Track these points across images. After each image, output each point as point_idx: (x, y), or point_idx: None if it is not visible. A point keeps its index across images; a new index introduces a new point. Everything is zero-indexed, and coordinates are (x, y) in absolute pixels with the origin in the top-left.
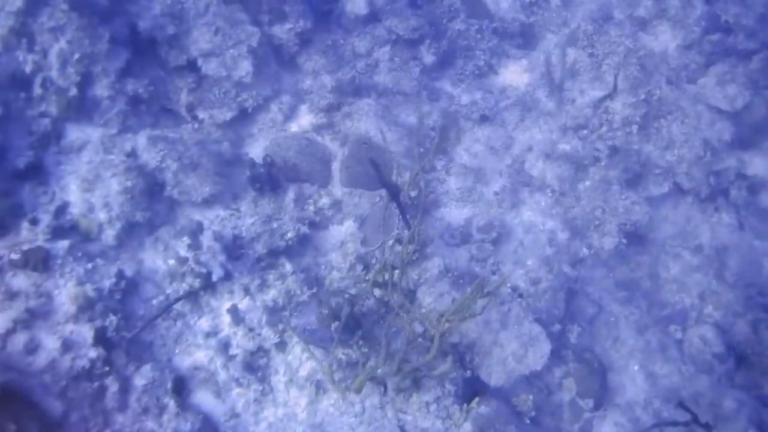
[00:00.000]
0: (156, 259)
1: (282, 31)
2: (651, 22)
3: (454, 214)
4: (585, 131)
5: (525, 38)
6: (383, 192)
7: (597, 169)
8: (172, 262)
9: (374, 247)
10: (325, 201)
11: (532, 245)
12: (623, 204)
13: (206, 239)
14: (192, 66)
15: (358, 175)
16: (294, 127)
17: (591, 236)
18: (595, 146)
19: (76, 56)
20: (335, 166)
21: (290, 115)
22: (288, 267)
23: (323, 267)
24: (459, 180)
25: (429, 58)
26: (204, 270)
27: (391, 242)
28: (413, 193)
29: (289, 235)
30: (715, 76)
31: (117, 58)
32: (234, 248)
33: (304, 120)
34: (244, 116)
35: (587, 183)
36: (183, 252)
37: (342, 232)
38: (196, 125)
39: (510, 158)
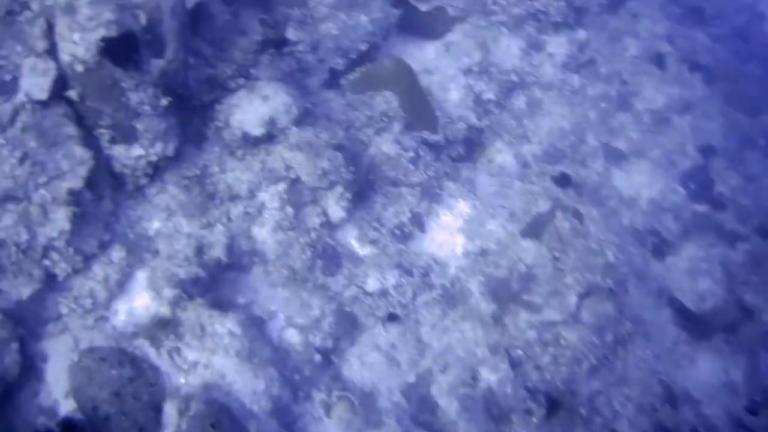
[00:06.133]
0: None
1: (128, 157)
2: (629, 158)
3: None
4: (521, 353)
5: (468, 147)
6: None
7: (525, 426)
8: None
9: None
10: None
11: None
12: None
13: None
14: None
15: None
16: (121, 313)
17: None
18: (528, 384)
19: None
20: (169, 411)
21: (118, 290)
22: None
23: None
24: (341, 425)
25: (336, 212)
26: None
27: None
28: None
29: None
30: (688, 260)
31: None
32: None
33: (139, 302)
34: (50, 284)
35: None
36: None
37: None
38: None
39: (414, 375)
